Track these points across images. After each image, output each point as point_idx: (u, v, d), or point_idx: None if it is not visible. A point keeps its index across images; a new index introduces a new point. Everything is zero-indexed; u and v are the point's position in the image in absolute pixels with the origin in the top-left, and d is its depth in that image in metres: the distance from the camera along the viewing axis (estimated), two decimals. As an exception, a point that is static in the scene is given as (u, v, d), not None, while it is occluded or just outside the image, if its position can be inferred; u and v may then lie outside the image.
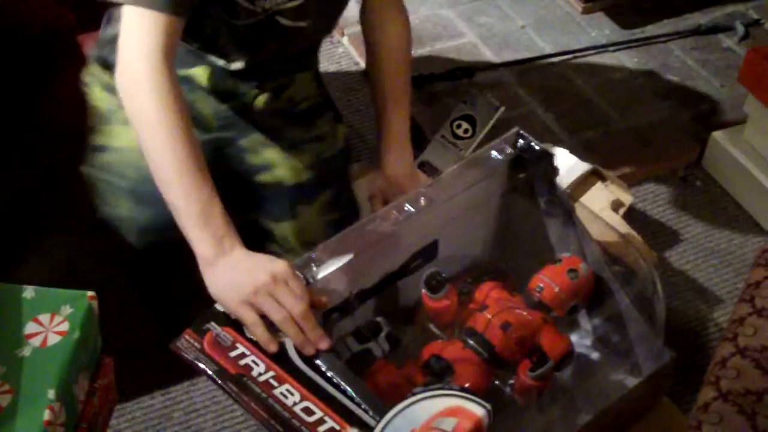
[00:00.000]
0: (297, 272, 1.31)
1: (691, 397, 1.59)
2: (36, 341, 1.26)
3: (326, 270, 1.36)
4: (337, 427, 1.18)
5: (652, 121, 2.23)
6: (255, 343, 1.25)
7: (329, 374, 1.24)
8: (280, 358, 1.24)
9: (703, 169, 2.14)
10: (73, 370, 1.25)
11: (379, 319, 1.44)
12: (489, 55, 2.39)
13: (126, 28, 1.32)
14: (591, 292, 1.55)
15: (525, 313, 1.47)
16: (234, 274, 1.27)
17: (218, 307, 1.29)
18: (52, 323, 1.28)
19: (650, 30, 2.50)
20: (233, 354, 1.25)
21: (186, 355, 1.26)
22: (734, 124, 2.15)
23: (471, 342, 1.42)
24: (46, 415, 1.19)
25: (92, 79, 1.64)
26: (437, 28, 2.44)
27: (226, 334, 1.27)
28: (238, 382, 1.22)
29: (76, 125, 1.85)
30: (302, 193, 1.64)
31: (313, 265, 1.39)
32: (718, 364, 1.20)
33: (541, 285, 1.51)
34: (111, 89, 1.46)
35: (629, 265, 1.57)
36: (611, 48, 2.43)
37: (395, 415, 1.20)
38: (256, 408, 1.20)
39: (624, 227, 1.81)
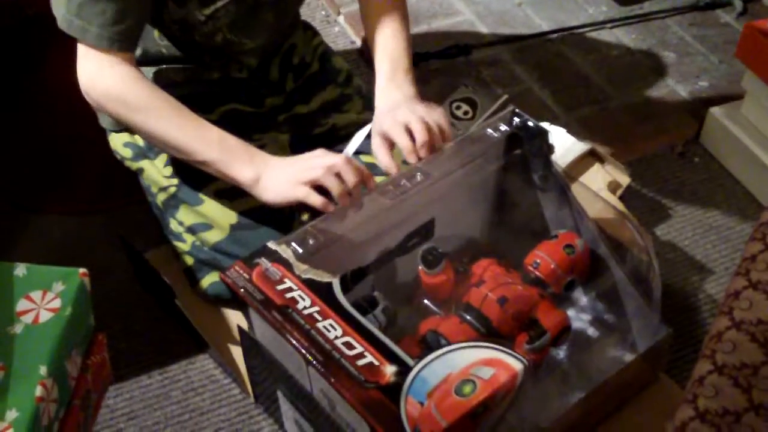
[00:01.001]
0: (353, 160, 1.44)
1: (689, 372, 1.60)
2: (28, 318, 1.26)
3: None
4: (376, 363, 1.22)
5: (649, 97, 2.22)
6: (302, 280, 1.31)
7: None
8: (325, 295, 1.30)
9: (701, 145, 2.13)
10: (65, 347, 1.25)
11: (375, 293, 1.45)
12: (486, 32, 2.38)
13: (80, 54, 1.46)
14: (587, 268, 1.56)
15: (522, 288, 1.47)
16: (284, 172, 1.43)
17: (269, 244, 1.36)
18: (43, 300, 1.28)
19: (648, 6, 2.48)
20: (280, 287, 1.31)
21: (234, 285, 1.31)
22: (732, 100, 2.14)
23: (468, 317, 1.43)
24: (38, 391, 1.19)
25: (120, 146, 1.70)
26: (434, 6, 2.43)
27: (276, 269, 1.33)
28: (282, 312, 1.27)
29: (71, 105, 1.85)
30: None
31: (309, 238, 1.39)
32: (713, 338, 1.20)
33: (538, 261, 1.52)
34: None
35: (625, 243, 1.57)
36: (609, 25, 2.42)
37: (434, 359, 1.23)
38: (299, 337, 1.25)
39: (620, 206, 1.81)
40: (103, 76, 1.45)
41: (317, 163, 1.43)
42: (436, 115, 1.51)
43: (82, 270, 1.32)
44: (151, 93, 1.46)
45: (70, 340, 1.27)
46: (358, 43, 2.31)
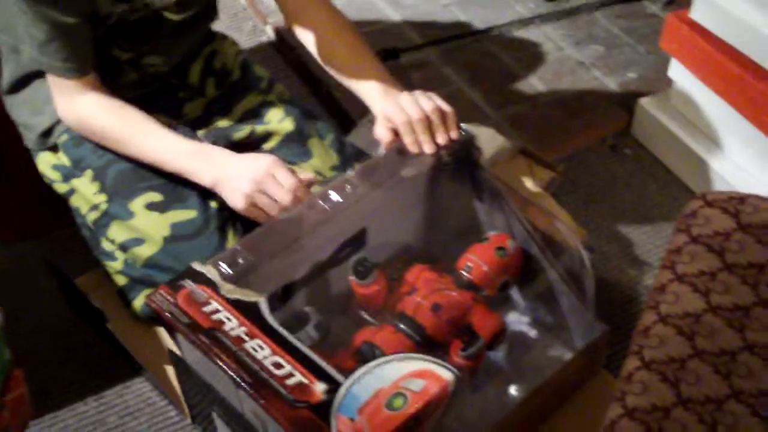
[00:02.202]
0: (278, 162, 1.47)
1: (625, 367, 1.60)
2: (-64, 357, 1.23)
3: None
4: (306, 381, 1.20)
5: (579, 91, 2.23)
6: (229, 301, 1.30)
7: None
8: (252, 316, 1.28)
9: (633, 137, 2.14)
10: (-23, 386, 1.22)
11: (307, 308, 1.44)
12: (414, 35, 2.37)
13: (52, 84, 1.56)
14: (520, 268, 1.55)
15: (455, 294, 1.46)
16: (230, 182, 1.49)
17: (194, 265, 1.35)
18: (-46, 338, 1.25)
19: (575, 1, 2.49)
20: (207, 309, 1.29)
21: (159, 309, 1.30)
22: (661, 91, 2.16)
23: (402, 326, 1.42)
24: (-51, 433, 1.16)
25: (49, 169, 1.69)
26: (361, 11, 2.43)
27: (202, 290, 1.31)
28: (209, 334, 1.26)
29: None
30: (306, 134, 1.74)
31: (239, 258, 1.38)
32: (640, 333, 1.20)
33: (470, 264, 1.51)
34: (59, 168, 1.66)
35: (557, 241, 1.57)
36: (536, 21, 2.42)
37: (364, 374, 1.22)
38: (227, 360, 1.23)
39: (551, 204, 1.81)
40: (73, 105, 1.57)
41: (248, 183, 1.47)
42: (435, 99, 1.55)
43: (-7, 305, 1.28)
44: (112, 117, 1.56)
45: (-18, 378, 1.24)
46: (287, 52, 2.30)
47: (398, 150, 1.54)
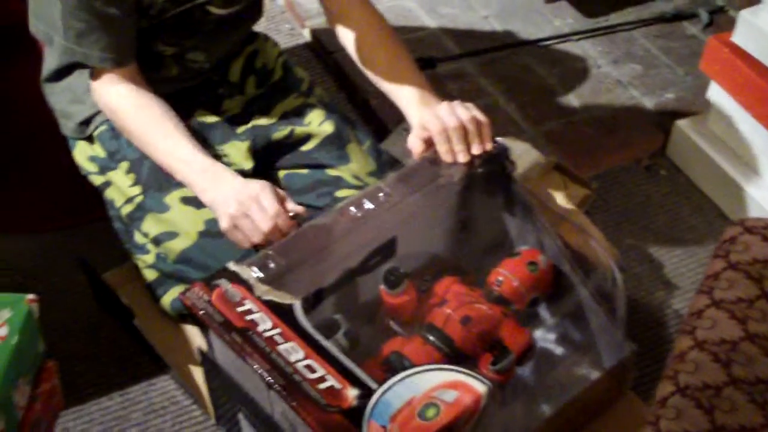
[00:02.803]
0: (267, 189, 1.44)
1: (655, 389, 1.59)
2: (-27, 347, 1.23)
3: None
4: (339, 386, 1.20)
5: (615, 110, 2.22)
6: (263, 302, 1.30)
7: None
8: (287, 318, 1.28)
9: (668, 158, 2.13)
10: (11, 376, 1.22)
11: (337, 316, 1.43)
12: (451, 45, 2.36)
13: (92, 73, 1.57)
14: (551, 285, 1.54)
15: (485, 308, 1.46)
16: (220, 202, 1.47)
17: (230, 265, 1.35)
18: (-10, 328, 1.26)
19: (614, 18, 2.48)
20: (241, 309, 1.29)
21: (193, 306, 1.30)
22: (698, 113, 2.14)
23: (431, 338, 1.41)
24: (-18, 423, 1.16)
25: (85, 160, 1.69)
26: (399, 19, 2.42)
27: (236, 290, 1.32)
28: (243, 334, 1.26)
29: (34, 123, 1.83)
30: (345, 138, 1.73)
31: (270, 262, 1.38)
32: (676, 358, 1.19)
33: (501, 278, 1.50)
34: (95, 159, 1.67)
35: (589, 259, 1.56)
36: (574, 37, 2.41)
37: (397, 382, 1.22)
38: (259, 360, 1.23)
39: (585, 222, 1.80)
40: (108, 93, 1.56)
41: (232, 207, 1.45)
42: (472, 109, 1.54)
43: (30, 296, 1.29)
44: (136, 113, 1.55)
45: (17, 368, 1.24)
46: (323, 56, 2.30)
47: (430, 160, 1.53)
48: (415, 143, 1.55)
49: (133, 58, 1.56)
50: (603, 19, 2.48)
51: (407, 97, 1.60)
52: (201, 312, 1.30)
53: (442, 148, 1.52)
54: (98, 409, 1.60)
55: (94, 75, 1.57)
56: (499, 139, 1.57)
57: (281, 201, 1.46)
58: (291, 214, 1.45)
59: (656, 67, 2.34)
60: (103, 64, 1.53)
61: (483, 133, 1.53)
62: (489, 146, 1.53)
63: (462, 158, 1.52)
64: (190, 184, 1.53)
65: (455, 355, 1.40)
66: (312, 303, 1.39)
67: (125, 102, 1.55)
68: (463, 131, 1.51)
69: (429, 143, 1.54)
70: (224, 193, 1.47)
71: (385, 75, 1.63)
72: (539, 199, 1.57)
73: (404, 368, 1.33)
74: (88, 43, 1.50)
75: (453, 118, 1.51)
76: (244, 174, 1.62)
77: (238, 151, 1.65)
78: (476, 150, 1.53)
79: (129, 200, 1.62)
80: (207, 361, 1.40)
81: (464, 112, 1.52)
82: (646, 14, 2.50)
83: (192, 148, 1.53)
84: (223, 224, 1.46)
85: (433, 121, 1.52)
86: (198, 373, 1.56)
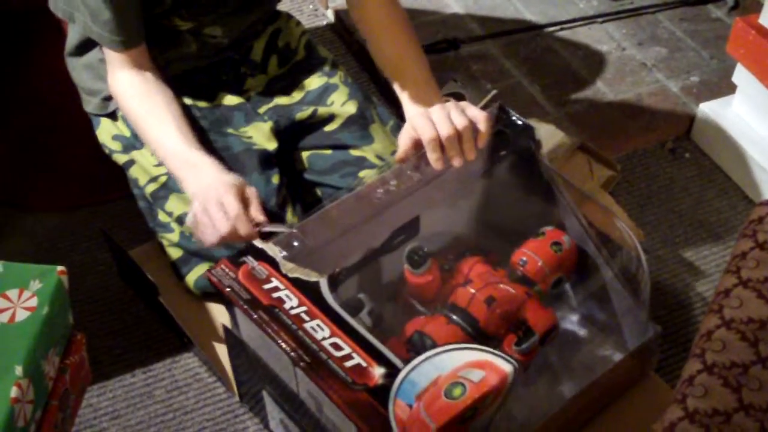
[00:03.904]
0: (232, 191, 1.40)
1: (678, 371, 1.59)
2: (3, 317, 1.24)
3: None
4: (365, 364, 1.21)
5: (640, 93, 2.21)
6: (290, 279, 1.30)
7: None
8: (313, 296, 1.29)
9: (692, 141, 2.12)
10: (41, 347, 1.23)
11: (361, 295, 1.44)
12: (475, 27, 2.36)
13: (105, 53, 1.57)
14: (575, 265, 1.54)
15: (509, 288, 1.45)
16: (194, 199, 1.44)
17: (256, 243, 1.35)
18: (20, 299, 1.26)
19: (639, 1, 2.46)
20: (267, 287, 1.30)
21: (219, 283, 1.30)
22: (723, 95, 2.13)
23: (455, 317, 1.41)
24: (14, 392, 1.16)
25: (109, 139, 1.70)
26: (423, 1, 2.41)
27: (262, 267, 1.32)
28: (269, 312, 1.26)
29: (55, 100, 1.84)
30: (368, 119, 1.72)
31: (294, 241, 1.38)
32: (703, 337, 1.18)
33: (525, 258, 1.50)
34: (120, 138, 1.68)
35: (614, 240, 1.56)
36: (599, 19, 2.40)
37: (423, 361, 1.22)
38: (286, 338, 1.24)
39: (610, 202, 1.79)
40: (113, 76, 1.57)
41: (197, 205, 1.43)
42: (468, 111, 1.48)
43: (60, 268, 1.29)
44: (137, 101, 1.55)
45: (47, 339, 1.24)
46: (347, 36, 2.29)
47: (413, 166, 1.49)
48: (403, 142, 1.49)
49: (140, 41, 1.55)
50: (628, 2, 2.46)
51: (404, 93, 1.56)
52: (227, 289, 1.30)
53: (432, 156, 1.45)
54: (122, 385, 1.60)
55: (107, 57, 1.57)
56: (526, 120, 1.55)
57: (246, 205, 1.42)
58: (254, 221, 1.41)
59: (681, 50, 2.32)
60: (111, 46, 1.53)
61: (479, 137, 1.47)
62: (482, 145, 1.48)
63: (456, 163, 1.46)
64: (174, 175, 1.52)
65: (479, 335, 1.40)
66: (336, 282, 1.39)
67: (127, 88, 1.56)
68: (457, 138, 1.45)
69: (418, 143, 1.48)
70: (199, 187, 1.45)
71: (388, 67, 1.61)
72: (564, 179, 1.56)
73: (427, 347, 1.33)
74: (100, 22, 1.50)
75: (447, 125, 1.44)
76: (269, 155, 1.62)
77: (261, 132, 1.65)
78: (470, 156, 1.47)
79: (153, 179, 1.63)
80: (232, 338, 1.40)
81: (459, 117, 1.45)
82: (671, -3, 2.48)
83: (181, 140, 1.51)
84: (188, 219, 1.45)
85: (425, 127, 1.45)
86: (222, 351, 1.57)
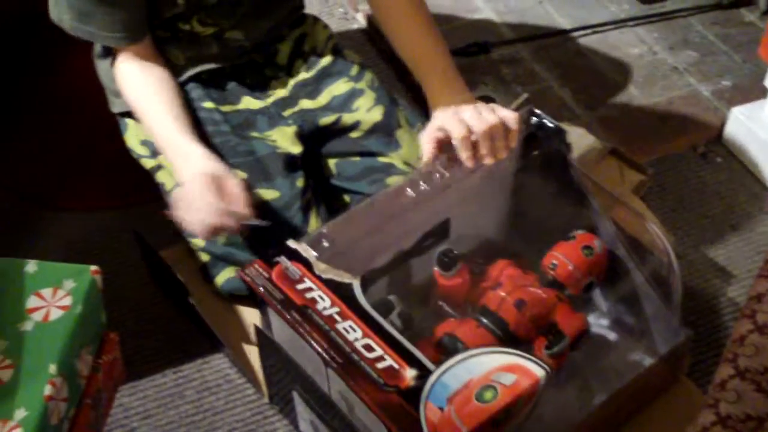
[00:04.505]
0: (207, 186, 1.41)
1: (710, 375, 1.57)
2: (38, 316, 1.25)
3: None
4: (396, 366, 1.20)
5: (671, 97, 2.20)
6: (323, 280, 1.30)
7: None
8: (345, 296, 1.29)
9: (724, 146, 2.10)
10: (75, 345, 1.24)
11: (391, 297, 1.44)
12: (506, 30, 2.35)
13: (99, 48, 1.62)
14: (606, 269, 1.53)
15: (539, 291, 1.45)
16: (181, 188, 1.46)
17: (289, 243, 1.35)
18: (54, 297, 1.27)
19: (670, 4, 2.45)
20: (300, 287, 1.30)
21: (252, 283, 1.31)
22: (755, 100, 2.11)
23: (484, 320, 1.41)
24: (48, 390, 1.18)
25: (137, 143, 1.70)
26: (453, 3, 2.41)
27: (296, 268, 1.32)
28: (302, 312, 1.26)
29: (86, 101, 1.85)
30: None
31: (324, 241, 1.38)
32: (736, 342, 1.18)
33: (555, 262, 1.49)
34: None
35: (644, 244, 1.55)
36: (630, 23, 2.39)
37: (455, 364, 1.22)
38: (318, 339, 1.24)
39: (640, 207, 1.79)
40: (117, 70, 1.58)
41: (181, 198, 1.44)
42: (499, 111, 1.47)
43: (93, 267, 1.30)
44: (138, 92, 1.57)
45: (81, 338, 1.25)
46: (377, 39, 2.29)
47: (442, 167, 1.48)
48: (426, 145, 1.47)
49: (143, 35, 1.56)
50: (659, 6, 2.45)
51: (430, 83, 1.54)
52: (260, 289, 1.30)
53: (464, 154, 1.44)
54: (153, 385, 1.61)
55: (108, 52, 1.59)
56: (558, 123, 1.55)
57: (229, 200, 1.42)
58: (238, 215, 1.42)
59: (713, 54, 2.31)
60: (109, 42, 1.55)
61: (510, 136, 1.47)
62: (513, 143, 1.48)
63: (488, 161, 1.46)
64: (170, 163, 1.54)
65: (509, 339, 1.39)
66: (365, 283, 1.39)
67: (132, 81, 1.57)
68: (490, 136, 1.45)
69: (440, 146, 1.47)
70: (185, 176, 1.46)
71: (412, 55, 1.59)
72: (595, 182, 1.55)
73: (457, 350, 1.33)
74: (95, 20, 1.50)
75: (479, 122, 1.44)
76: (293, 158, 1.62)
77: (285, 136, 1.65)
78: (502, 155, 1.46)
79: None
80: (263, 339, 1.41)
81: (491, 116, 1.45)
82: (702, 1, 2.46)
83: (176, 128, 1.52)
84: (173, 215, 1.46)
85: (457, 126, 1.44)
86: (252, 352, 1.57)
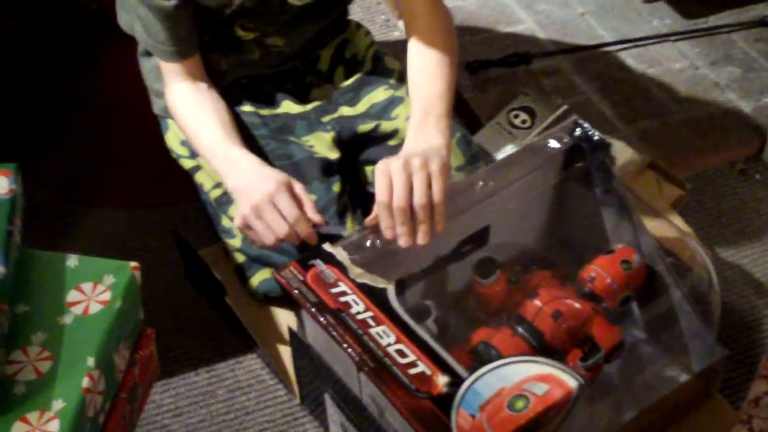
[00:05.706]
0: (283, 190, 1.42)
1: (743, 392, 1.56)
2: (78, 309, 1.27)
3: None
4: (429, 372, 1.21)
5: (711, 112, 2.18)
6: (357, 284, 1.31)
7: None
8: (380, 301, 1.30)
9: (763, 163, 2.09)
10: (113, 340, 1.25)
11: (428, 302, 1.44)
12: (547, 41, 2.35)
13: (161, 64, 1.60)
14: (644, 284, 1.52)
15: (576, 303, 1.45)
16: (238, 197, 1.47)
17: (325, 246, 1.36)
18: (94, 292, 1.29)
19: (713, 20, 2.44)
20: (334, 291, 1.31)
21: (287, 285, 1.32)
22: (797, 118, 2.11)
23: (520, 329, 1.41)
24: (85, 382, 1.19)
25: (177, 144, 1.72)
26: (495, 14, 2.41)
27: (331, 271, 1.33)
28: (335, 315, 1.27)
29: (128, 100, 1.86)
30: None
31: (365, 242, 1.39)
32: (772, 360, 1.17)
33: (593, 275, 1.49)
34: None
35: (684, 260, 1.54)
36: (672, 38, 2.38)
37: (487, 372, 1.22)
38: (351, 342, 1.25)
39: (680, 223, 1.78)
40: (167, 87, 1.61)
41: (251, 208, 1.43)
42: (436, 184, 1.36)
43: (133, 264, 1.32)
44: (190, 107, 1.58)
45: (119, 332, 1.27)
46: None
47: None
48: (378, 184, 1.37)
49: (193, 52, 1.57)
50: (702, 21, 2.44)
51: (411, 122, 1.50)
52: (295, 291, 1.31)
53: (382, 224, 1.36)
54: (186, 383, 1.62)
55: (163, 65, 1.59)
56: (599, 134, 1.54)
57: (300, 205, 1.43)
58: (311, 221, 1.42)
59: (755, 71, 2.30)
60: (164, 57, 1.56)
61: (436, 216, 1.36)
62: (440, 227, 1.37)
63: (403, 243, 1.35)
64: (216, 171, 1.55)
65: (544, 349, 1.39)
66: (404, 287, 1.40)
67: (181, 98, 1.58)
68: (409, 213, 1.35)
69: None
70: (242, 186, 1.46)
71: (410, 74, 1.58)
72: (636, 196, 1.55)
73: (492, 358, 1.33)
74: (150, 34, 1.53)
75: (402, 194, 1.33)
76: (330, 163, 1.63)
77: (322, 141, 1.65)
78: (422, 240, 1.35)
79: (217, 185, 1.64)
80: (296, 341, 1.42)
81: (420, 189, 1.34)
82: (745, 18, 2.45)
83: (223, 137, 1.53)
84: (235, 222, 1.47)
85: (380, 187, 1.35)
86: (285, 353, 1.58)
